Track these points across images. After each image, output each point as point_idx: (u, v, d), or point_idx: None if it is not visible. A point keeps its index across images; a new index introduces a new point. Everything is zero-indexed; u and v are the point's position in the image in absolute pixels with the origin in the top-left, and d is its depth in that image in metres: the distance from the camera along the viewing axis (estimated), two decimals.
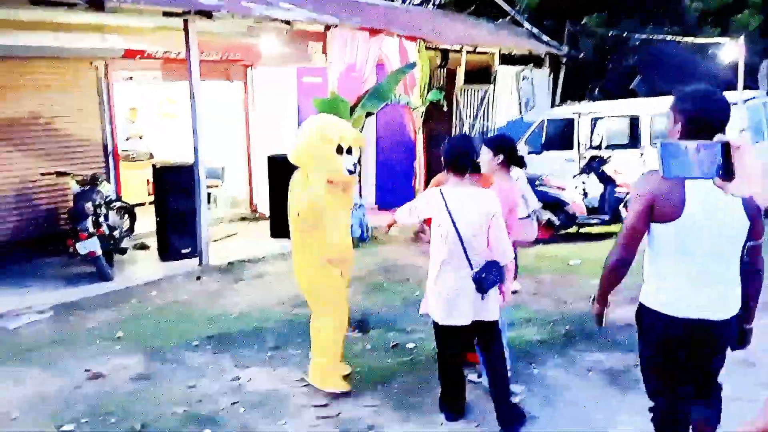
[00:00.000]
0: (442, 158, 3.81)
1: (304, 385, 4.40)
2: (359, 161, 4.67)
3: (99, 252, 6.88)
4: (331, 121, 4.54)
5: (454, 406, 3.95)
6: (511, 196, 4.07)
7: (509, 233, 3.87)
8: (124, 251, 7.62)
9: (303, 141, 4.32)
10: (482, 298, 3.65)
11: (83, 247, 6.79)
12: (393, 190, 11.19)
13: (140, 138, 11.15)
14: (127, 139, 10.75)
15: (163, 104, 11.86)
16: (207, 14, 7.23)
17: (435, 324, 3.82)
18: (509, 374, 3.96)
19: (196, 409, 4.07)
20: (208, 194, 10.70)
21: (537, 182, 9.70)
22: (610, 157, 9.45)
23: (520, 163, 4.33)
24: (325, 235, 4.19)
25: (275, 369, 4.67)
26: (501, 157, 4.09)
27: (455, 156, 3.72)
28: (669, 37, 14.41)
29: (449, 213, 3.65)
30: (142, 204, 9.78)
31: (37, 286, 6.89)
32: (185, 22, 7.25)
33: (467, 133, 12.85)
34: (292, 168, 8.94)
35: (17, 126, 7.78)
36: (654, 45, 15.11)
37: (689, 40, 14.35)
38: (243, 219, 10.57)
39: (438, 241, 3.72)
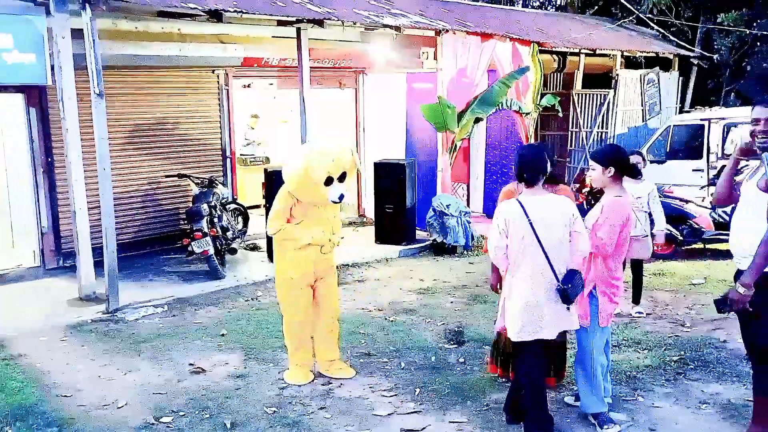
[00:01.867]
0: (514, 168, 3.74)
1: (393, 395, 4.33)
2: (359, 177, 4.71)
3: (212, 251, 7.24)
4: (319, 152, 4.42)
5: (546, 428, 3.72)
6: (623, 211, 3.80)
7: (619, 251, 3.77)
8: (234, 251, 7.97)
9: (291, 172, 4.41)
10: (567, 309, 3.57)
11: (198, 246, 7.17)
12: None
13: (258, 144, 11.65)
14: (246, 145, 11.27)
15: (281, 111, 12.32)
16: (318, 22, 7.41)
17: (517, 343, 3.67)
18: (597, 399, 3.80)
19: (285, 411, 4.12)
20: None
21: (659, 193, 9.07)
22: (745, 167, 8.60)
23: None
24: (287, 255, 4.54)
25: (365, 377, 4.64)
26: (612, 169, 3.83)
27: (526, 166, 3.63)
28: None
29: (530, 223, 3.54)
30: (258, 206, 10.20)
31: (157, 281, 7.37)
32: (298, 30, 7.48)
33: (584, 139, 12.26)
34: (398, 173, 9.07)
35: (145, 131, 8.38)
36: None
37: None
38: (351, 223, 10.73)
39: (518, 253, 3.59)
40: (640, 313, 5.99)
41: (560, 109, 10.63)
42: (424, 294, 6.92)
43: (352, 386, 4.50)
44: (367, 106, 10.64)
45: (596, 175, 3.88)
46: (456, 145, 9.35)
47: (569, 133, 12.53)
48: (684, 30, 14.08)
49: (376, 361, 4.95)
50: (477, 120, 9.37)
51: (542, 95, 10.57)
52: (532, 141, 10.67)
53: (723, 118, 9.81)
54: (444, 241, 8.76)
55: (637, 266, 6.10)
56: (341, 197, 4.39)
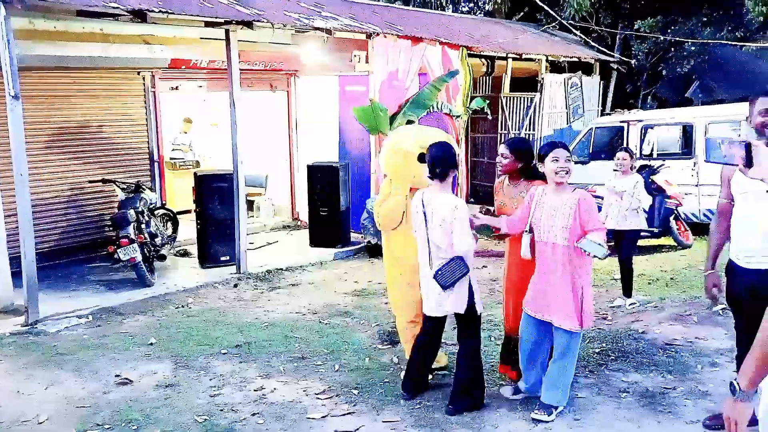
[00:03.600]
0: (427, 165, 4.00)
1: (327, 398, 4.33)
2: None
3: (139, 258, 7.03)
4: (408, 133, 4.72)
5: (416, 388, 4.28)
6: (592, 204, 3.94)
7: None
8: (163, 258, 7.77)
9: (386, 156, 4.54)
10: (444, 293, 3.95)
11: (124, 254, 6.94)
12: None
13: (189, 149, 11.37)
14: (174, 149, 10.99)
15: (211, 114, 12.09)
16: (247, 24, 7.32)
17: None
18: None
19: (216, 419, 4.05)
20: (251, 202, 10.87)
21: None
22: (661, 166, 9.07)
23: (533, 175, 4.21)
24: (404, 237, 4.44)
25: (299, 380, 4.62)
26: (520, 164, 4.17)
27: (437, 163, 3.92)
28: (728, 42, 13.78)
29: (424, 214, 3.98)
30: (188, 211, 9.97)
31: (81, 290, 7.09)
32: (227, 32, 7.36)
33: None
34: (332, 176, 9.06)
35: (66, 134, 8.06)
36: (712, 51, 14.50)
37: (750, 44, 13.69)
38: (285, 227, 10.65)
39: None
40: (632, 304, 6.21)
41: (489, 112, 10.89)
42: (358, 296, 6.95)
43: (285, 390, 4.47)
44: (299, 109, 10.58)
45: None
46: None
47: (498, 134, 12.86)
48: (604, 36, 14.72)
49: (310, 364, 4.94)
50: (409, 122, 9.47)
51: (472, 98, 10.81)
52: (463, 143, 10.89)
53: (641, 120, 10.30)
54: (378, 242, 8.81)
55: (624, 262, 6.32)
56: None
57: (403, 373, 4.42)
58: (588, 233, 3.75)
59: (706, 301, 6.01)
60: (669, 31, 14.03)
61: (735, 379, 1.80)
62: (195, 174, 8.36)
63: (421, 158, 4.19)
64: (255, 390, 4.48)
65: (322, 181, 9.06)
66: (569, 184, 3.90)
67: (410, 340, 4.49)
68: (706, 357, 4.74)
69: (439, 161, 3.94)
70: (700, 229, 9.19)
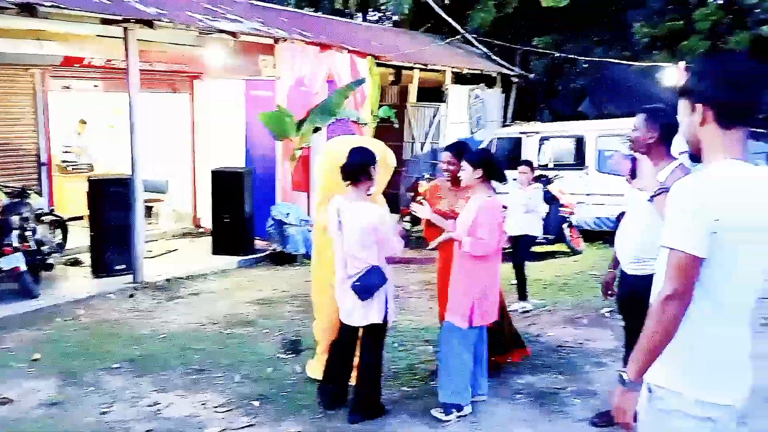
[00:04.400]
0: (341, 170, 3.93)
1: (226, 411, 4.21)
2: None
3: (23, 268, 6.55)
4: (344, 144, 4.52)
5: (334, 401, 4.16)
6: (497, 210, 4.04)
7: (498, 251, 4.06)
8: (50, 267, 7.27)
9: (321, 165, 4.51)
10: (363, 302, 3.90)
11: (7, 263, 6.45)
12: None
13: (82, 152, 10.77)
14: (66, 152, 10.38)
15: (108, 115, 11.52)
16: (148, 23, 7.05)
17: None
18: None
19: None
20: (150, 208, 10.45)
21: None
22: (556, 176, 9.54)
23: (500, 177, 4.22)
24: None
25: (196, 394, 4.47)
26: (480, 171, 4.04)
27: (352, 167, 3.88)
28: (616, 60, 14.73)
29: (339, 222, 3.91)
30: (81, 218, 9.44)
31: None
32: (125, 30, 7.05)
33: (419, 150, 12.86)
34: (236, 182, 8.87)
35: None
36: (602, 68, 15.45)
37: (636, 63, 14.70)
38: (186, 234, 10.31)
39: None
40: (524, 309, 6.39)
41: (396, 121, 11.06)
42: (262, 305, 6.83)
43: (181, 405, 4.31)
44: (203, 113, 10.29)
45: (466, 175, 4.08)
46: (295, 154, 9.36)
47: (404, 143, 13.08)
48: (505, 51, 15.33)
49: (210, 377, 4.79)
50: (316, 129, 9.44)
51: (379, 107, 10.93)
52: None
53: (538, 132, 10.81)
54: (283, 249, 8.71)
55: (519, 265, 6.57)
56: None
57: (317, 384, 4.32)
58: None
59: (595, 305, 6.38)
60: (564, 48, 14.81)
61: (624, 371, 1.93)
62: (89, 178, 7.92)
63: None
64: (149, 405, 4.29)
65: (227, 187, 8.84)
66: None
67: (326, 347, 4.42)
68: (594, 357, 5.01)
69: (353, 167, 3.87)
70: (591, 236, 9.75)
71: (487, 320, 4.12)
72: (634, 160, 2.48)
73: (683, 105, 1.99)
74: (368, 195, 4.00)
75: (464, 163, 4.10)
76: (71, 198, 9.60)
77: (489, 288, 4.10)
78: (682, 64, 10.32)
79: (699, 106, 1.92)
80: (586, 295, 6.81)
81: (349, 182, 3.91)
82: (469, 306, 4.01)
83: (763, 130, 12.98)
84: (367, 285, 3.85)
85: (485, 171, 4.04)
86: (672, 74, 12.02)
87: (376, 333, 4.03)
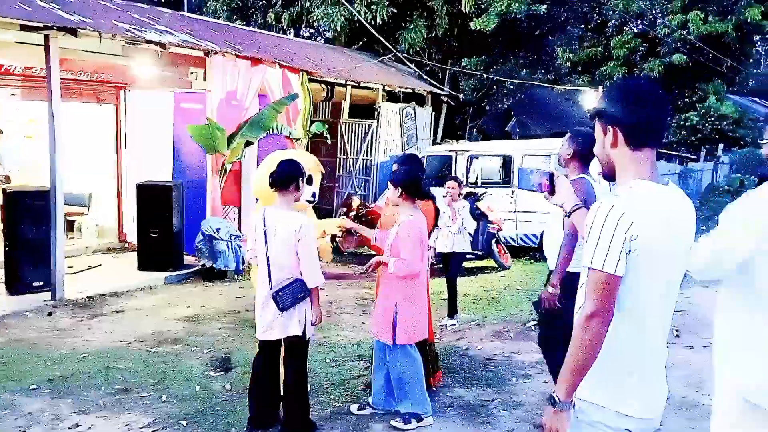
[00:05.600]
0: (269, 177, 3.94)
1: (151, 431, 4.09)
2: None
3: None
4: (288, 156, 4.63)
5: (260, 420, 4.06)
6: (417, 229, 4.09)
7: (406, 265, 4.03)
8: None
9: (259, 179, 4.46)
10: (282, 315, 3.88)
11: None
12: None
13: None
14: None
15: (26, 125, 10.99)
16: (71, 31, 6.82)
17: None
18: None
19: None
20: (71, 222, 10.03)
21: None
22: (484, 194, 9.81)
23: (422, 194, 4.31)
24: None
25: (120, 415, 4.31)
26: (400, 189, 4.13)
27: (281, 175, 3.90)
28: (541, 83, 15.39)
29: (264, 232, 3.90)
30: None
31: None
32: (46, 37, 6.79)
33: (352, 166, 12.94)
34: (163, 196, 8.65)
35: None
36: (528, 90, 16.08)
37: (559, 87, 15.40)
38: (110, 249, 9.94)
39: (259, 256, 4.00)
40: (453, 325, 6.47)
41: (329, 137, 11.10)
42: (190, 322, 6.67)
43: (104, 427, 4.14)
44: (129, 124, 10.00)
45: (390, 194, 4.21)
46: (226, 168, 9.22)
47: (337, 159, 13.13)
48: (435, 71, 15.71)
49: (134, 397, 4.63)
50: (248, 143, 9.36)
51: (312, 122, 10.94)
52: None
53: (467, 151, 11.11)
54: (214, 265, 8.54)
55: (451, 281, 6.67)
56: (314, 195, 4.64)
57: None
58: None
59: (521, 318, 6.59)
60: (491, 70, 15.33)
61: (553, 392, 1.96)
62: (4, 190, 7.53)
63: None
64: (69, 428, 4.10)
65: (153, 201, 8.60)
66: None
67: None
68: (520, 370, 5.17)
69: (281, 175, 3.88)
70: (517, 251, 10.08)
71: (413, 339, 4.19)
72: (551, 176, 2.60)
73: (597, 127, 2.07)
74: (295, 202, 4.04)
75: (389, 183, 4.21)
76: None
77: (413, 307, 4.17)
78: (601, 88, 10.88)
79: (610, 128, 2.00)
80: (513, 310, 7.02)
81: (276, 190, 3.90)
82: (390, 324, 4.11)
83: (672, 152, 13.84)
84: (288, 295, 3.83)
85: (405, 190, 4.12)
86: (591, 98, 12.66)
87: (297, 347, 4.00)
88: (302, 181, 3.98)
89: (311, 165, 4.69)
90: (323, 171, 4.89)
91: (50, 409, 4.37)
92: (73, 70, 8.55)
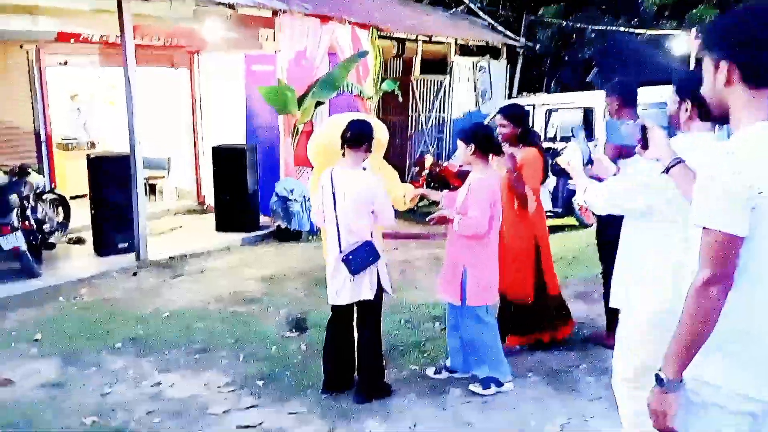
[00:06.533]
0: (341, 134, 3.81)
1: (230, 391, 4.13)
2: None
3: (24, 247, 6.46)
4: (336, 122, 4.53)
5: (334, 383, 4.02)
6: (489, 189, 3.89)
7: (491, 230, 3.90)
8: (52, 246, 7.19)
9: (316, 144, 4.47)
10: (352, 279, 3.78)
11: (6, 242, 6.35)
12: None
13: (83, 126, 10.65)
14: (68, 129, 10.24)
15: (108, 92, 11.35)
16: None
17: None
18: None
19: (106, 419, 3.76)
20: (153, 185, 10.34)
21: None
22: (564, 149, 9.34)
23: (497, 150, 4.07)
24: None
25: (200, 373, 4.39)
26: (473, 146, 3.90)
27: (354, 132, 3.76)
28: (625, 29, 14.40)
29: (333, 193, 3.77)
30: (84, 196, 9.33)
31: None
32: (119, 2, 6.85)
33: (424, 124, 12.66)
34: (238, 159, 8.72)
35: None
36: (610, 37, 15.11)
37: (644, 32, 14.37)
38: (190, 211, 10.20)
39: (326, 219, 3.89)
40: None
41: (400, 94, 10.84)
42: (267, 282, 6.73)
43: (184, 385, 4.23)
44: (203, 88, 10.11)
45: (460, 152, 3.99)
46: (298, 129, 9.19)
47: (409, 117, 12.86)
48: (510, 22, 15.00)
49: (213, 356, 4.70)
50: (318, 104, 9.26)
51: (382, 80, 10.71)
52: None
53: (545, 104, 10.58)
54: (288, 226, 8.59)
55: None
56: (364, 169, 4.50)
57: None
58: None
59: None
60: (570, 18, 14.48)
61: (660, 369, 1.73)
62: (88, 156, 7.79)
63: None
64: (151, 386, 4.21)
65: (228, 164, 8.70)
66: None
67: None
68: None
69: (354, 132, 3.76)
70: None
71: (483, 301, 3.99)
72: (644, 128, 2.31)
73: (706, 62, 1.78)
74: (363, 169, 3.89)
75: (458, 141, 3.99)
76: (73, 176, 9.48)
77: (483, 269, 3.97)
78: (693, 31, 10.04)
79: (724, 63, 1.70)
80: (596, 269, 6.64)
81: (347, 148, 3.77)
82: (459, 285, 3.94)
83: None
84: (359, 259, 3.73)
85: (478, 146, 3.89)
86: (683, 42, 11.75)
87: (370, 310, 3.92)
88: (371, 142, 3.82)
89: (381, 135, 4.52)
90: (386, 141, 4.68)
91: (133, 367, 4.51)
92: (147, 35, 8.65)
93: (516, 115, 4.40)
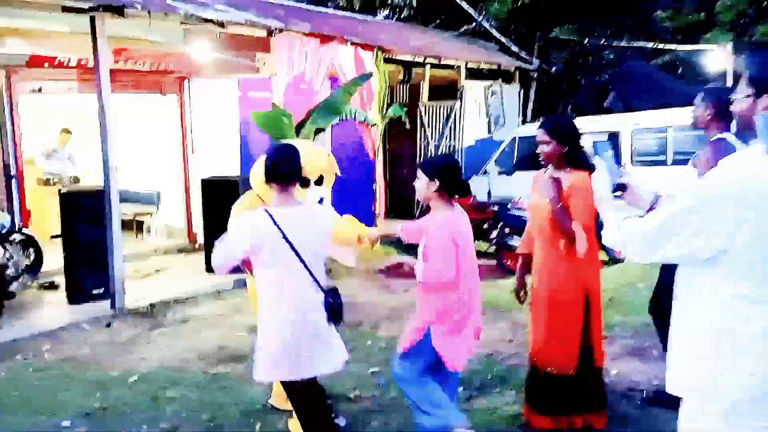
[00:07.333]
0: (265, 169, 3.10)
1: None
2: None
3: None
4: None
5: None
6: (443, 233, 3.18)
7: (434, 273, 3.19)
8: (11, 296, 6.29)
9: (258, 175, 3.64)
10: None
11: None
12: (351, 214, 10.08)
13: (67, 159, 9.86)
14: (46, 159, 9.45)
15: (93, 121, 10.60)
16: (117, 10, 6.10)
17: (288, 386, 3.17)
18: None
19: None
20: (140, 223, 9.52)
21: (509, 206, 8.74)
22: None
23: (463, 190, 3.36)
24: None
25: None
26: (437, 183, 3.23)
27: (280, 165, 3.05)
28: (652, 45, 13.66)
29: (285, 238, 2.94)
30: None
31: None
32: (92, 19, 6.11)
33: (433, 152, 11.85)
34: (230, 192, 7.86)
35: None
36: (624, 63, 14.41)
37: (675, 47, 13.61)
38: (180, 251, 9.34)
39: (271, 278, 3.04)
40: None
41: (407, 121, 10.05)
42: (255, 333, 5.79)
43: None
44: (194, 116, 9.34)
45: (420, 186, 3.30)
46: None
47: (418, 146, 12.05)
48: (523, 42, 14.28)
49: None
50: (318, 130, 8.45)
51: (388, 106, 9.94)
52: (381, 154, 9.99)
53: None
54: None
55: None
56: (321, 200, 3.92)
57: None
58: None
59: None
60: (589, 37, 13.78)
61: None
62: (60, 192, 6.98)
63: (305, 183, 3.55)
64: None
65: (220, 197, 7.82)
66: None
67: None
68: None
69: (284, 163, 3.07)
70: None
71: (449, 358, 3.22)
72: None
73: (743, 88, 1.96)
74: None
75: (419, 172, 3.33)
76: (55, 214, 8.66)
77: (448, 321, 3.21)
78: (729, 47, 9.32)
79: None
80: (644, 315, 5.71)
81: (276, 185, 3.06)
82: (417, 334, 3.26)
83: None
84: (338, 306, 3.12)
85: (443, 184, 3.23)
86: (718, 58, 11.01)
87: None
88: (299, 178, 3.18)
89: (322, 163, 3.91)
90: (338, 172, 4.14)
91: None
92: (134, 59, 7.93)
93: (562, 129, 3.51)
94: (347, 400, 4.24)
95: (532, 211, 3.73)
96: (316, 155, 3.95)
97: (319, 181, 3.89)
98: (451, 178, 3.27)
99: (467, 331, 3.26)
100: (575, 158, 3.47)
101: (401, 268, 3.64)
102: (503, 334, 5.68)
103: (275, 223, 2.94)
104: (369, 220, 9.20)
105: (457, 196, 3.32)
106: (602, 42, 13.58)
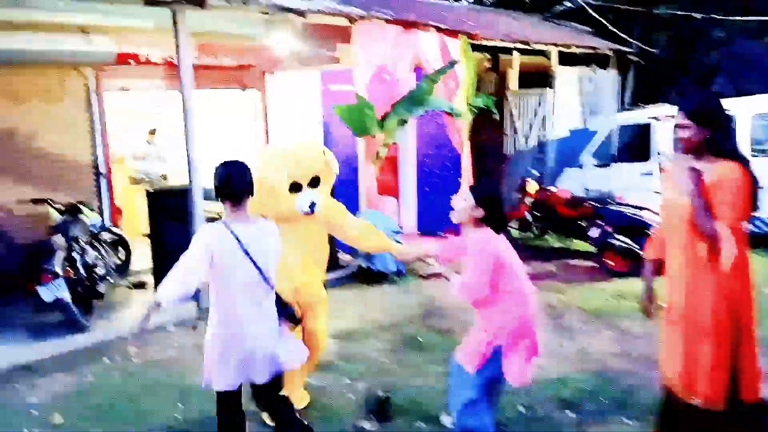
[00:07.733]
0: (214, 186, 3.10)
1: None
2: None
3: (67, 298, 5.57)
4: (275, 153, 3.89)
5: None
6: (485, 252, 3.16)
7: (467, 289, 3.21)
8: (101, 295, 6.26)
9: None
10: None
11: (46, 292, 5.49)
12: (437, 212, 9.60)
13: (157, 158, 9.97)
14: (136, 159, 9.58)
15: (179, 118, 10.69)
16: (198, 1, 5.92)
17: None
18: None
19: None
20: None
21: (610, 201, 8.05)
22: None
23: (501, 225, 3.31)
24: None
25: None
26: (482, 211, 3.23)
27: (232, 182, 3.08)
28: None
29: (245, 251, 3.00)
30: None
31: None
32: (174, 13, 5.96)
33: (523, 144, 11.20)
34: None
35: None
36: (734, 44, 13.13)
37: None
38: None
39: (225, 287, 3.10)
40: None
41: (496, 111, 9.48)
42: (344, 339, 5.50)
43: None
44: (276, 111, 9.18)
45: (459, 204, 3.28)
46: (380, 153, 8.02)
47: (505, 137, 11.43)
48: (620, 24, 13.30)
49: None
50: (402, 122, 8.05)
51: (475, 95, 9.40)
52: (466, 147, 9.46)
53: (671, 116, 8.89)
54: (371, 267, 7.38)
55: None
56: (312, 206, 3.66)
57: None
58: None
59: None
60: (691, 17, 12.62)
61: None
62: (146, 191, 6.95)
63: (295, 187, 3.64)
64: None
65: None
66: None
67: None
68: None
69: (224, 182, 3.10)
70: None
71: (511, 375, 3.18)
72: None
73: None
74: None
75: (466, 193, 3.28)
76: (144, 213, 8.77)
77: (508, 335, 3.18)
78: None
79: None
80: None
81: (228, 203, 3.09)
82: (479, 350, 3.24)
83: None
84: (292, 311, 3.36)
85: (486, 212, 3.21)
86: None
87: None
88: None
89: (317, 163, 3.73)
90: (337, 172, 3.86)
91: None
92: (215, 54, 7.82)
93: (706, 112, 2.91)
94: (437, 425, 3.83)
95: (664, 209, 3.17)
96: (309, 154, 3.73)
97: (315, 183, 3.68)
98: (497, 210, 3.24)
99: (524, 345, 3.20)
100: (720, 146, 2.87)
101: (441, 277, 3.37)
102: (610, 346, 5.09)
103: (233, 234, 2.98)
104: None
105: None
106: (709, 18, 12.35)
